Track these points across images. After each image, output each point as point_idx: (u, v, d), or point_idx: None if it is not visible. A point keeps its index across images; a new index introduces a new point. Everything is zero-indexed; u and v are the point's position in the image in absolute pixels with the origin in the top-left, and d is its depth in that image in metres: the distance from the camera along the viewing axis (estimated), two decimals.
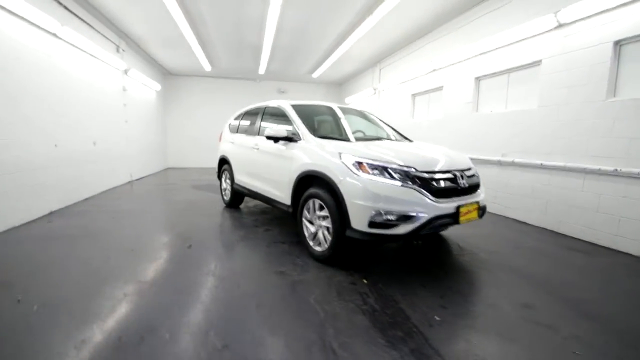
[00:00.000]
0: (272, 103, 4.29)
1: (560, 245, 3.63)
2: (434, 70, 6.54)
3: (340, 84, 12.66)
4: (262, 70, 10.04)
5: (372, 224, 2.50)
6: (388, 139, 3.81)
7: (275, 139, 3.55)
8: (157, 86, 9.83)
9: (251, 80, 11.93)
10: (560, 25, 3.96)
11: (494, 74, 5.14)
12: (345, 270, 2.82)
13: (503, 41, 4.80)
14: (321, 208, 2.92)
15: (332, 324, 2.00)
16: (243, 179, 4.54)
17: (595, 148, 3.63)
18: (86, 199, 5.63)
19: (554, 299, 2.41)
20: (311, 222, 3.09)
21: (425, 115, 7.17)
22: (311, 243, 3.09)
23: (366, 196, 2.50)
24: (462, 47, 5.67)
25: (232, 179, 4.93)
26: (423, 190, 2.54)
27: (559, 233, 4.06)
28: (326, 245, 2.87)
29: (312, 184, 3.09)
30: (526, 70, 4.57)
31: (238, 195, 5.06)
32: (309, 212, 3.09)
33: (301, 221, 3.19)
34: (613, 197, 3.47)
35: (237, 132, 5.02)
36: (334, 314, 2.11)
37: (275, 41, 7.19)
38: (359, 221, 2.54)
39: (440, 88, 6.48)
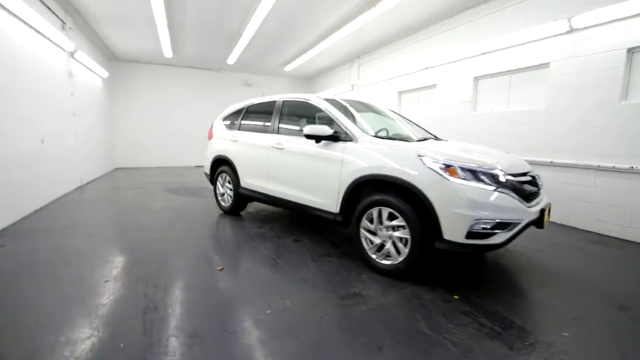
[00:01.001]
0: (293, 97, 3.80)
1: (586, 240, 3.84)
2: (427, 68, 6.57)
3: (310, 79, 12.26)
4: (232, 60, 9.16)
5: (470, 235, 2.26)
6: (424, 139, 3.61)
7: (317, 138, 3.11)
8: (104, 72, 8.33)
9: (214, 71, 10.87)
10: (571, 31, 4.17)
11: (495, 74, 5.29)
12: (424, 284, 2.54)
13: (507, 43, 4.94)
14: (391, 217, 2.60)
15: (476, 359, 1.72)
16: (256, 182, 3.95)
17: (607, 147, 3.91)
18: (37, 211, 4.46)
19: None
20: (373, 233, 2.75)
21: (414, 113, 7.21)
22: (374, 256, 2.74)
23: (464, 204, 2.25)
24: (460, 46, 5.75)
25: (236, 182, 4.30)
26: (514, 194, 2.38)
27: (569, 226, 4.34)
28: (400, 259, 2.56)
29: (375, 191, 2.74)
30: (532, 72, 4.77)
31: (242, 200, 4.44)
32: (371, 221, 2.74)
33: (358, 232, 2.83)
34: (627, 192, 3.76)
35: (239, 129, 4.38)
36: (465, 345, 1.82)
37: (261, 28, 6.53)
38: (454, 232, 2.28)
39: (433, 86, 6.54)
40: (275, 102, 3.98)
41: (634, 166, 3.65)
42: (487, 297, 2.37)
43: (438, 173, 2.35)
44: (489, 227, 2.27)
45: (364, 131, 2.96)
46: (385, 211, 2.62)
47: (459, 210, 2.25)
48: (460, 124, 5.89)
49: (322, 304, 2.22)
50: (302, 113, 3.77)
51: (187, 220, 4.23)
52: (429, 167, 2.39)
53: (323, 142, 3.10)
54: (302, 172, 3.32)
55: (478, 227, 2.25)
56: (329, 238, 3.64)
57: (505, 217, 2.29)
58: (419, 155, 2.48)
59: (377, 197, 2.66)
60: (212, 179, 4.88)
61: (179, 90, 10.62)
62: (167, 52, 8.41)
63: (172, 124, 10.67)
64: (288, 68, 10.08)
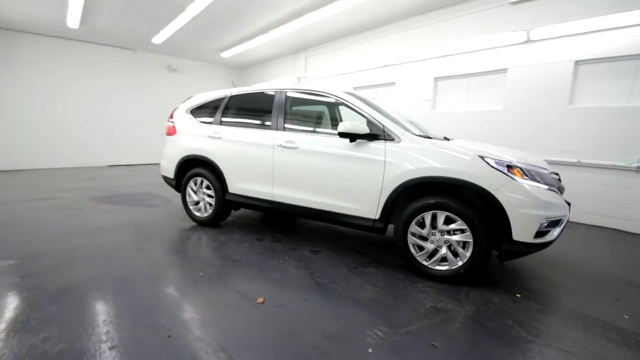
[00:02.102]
0: (301, 88, 3.33)
1: None
2: (386, 65, 6.70)
3: (243, 68, 11.30)
4: (159, 39, 7.70)
5: (537, 234, 2.30)
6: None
7: (352, 137, 2.76)
8: None
9: (129, 50, 9.00)
10: (528, 41, 4.75)
11: (456, 76, 5.70)
12: (482, 286, 2.51)
13: (468, 48, 5.37)
14: (448, 221, 2.48)
15: None
16: (253, 187, 3.34)
17: (559, 144, 4.61)
18: None
19: None
20: (423, 238, 2.59)
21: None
22: (426, 263, 2.59)
23: (536, 204, 2.26)
24: (421, 46, 6.01)
25: (219, 187, 3.57)
26: (558, 192, 2.53)
27: None
28: (459, 263, 2.47)
29: (422, 194, 2.57)
30: (491, 76, 5.28)
31: (227, 209, 3.74)
32: (422, 226, 2.57)
33: (406, 238, 2.62)
34: (575, 183, 4.49)
35: (221, 124, 3.64)
36: (597, 355, 1.83)
37: (212, 5, 5.59)
38: (524, 232, 2.28)
39: (392, 84, 6.71)
40: (274, 93, 3.41)
41: (581, 160, 4.40)
42: (550, 298, 2.47)
43: (506, 174, 2.31)
44: (547, 224, 2.36)
45: (406, 130, 2.75)
46: (442, 215, 2.48)
47: (531, 211, 2.26)
48: (420, 122, 6.18)
49: (413, 328, 1.95)
50: (314, 107, 3.33)
51: (156, 241, 3.32)
52: (495, 169, 2.34)
53: (357, 141, 2.78)
54: (329, 175, 2.92)
55: (543, 227, 2.32)
56: (346, 245, 3.33)
57: (559, 214, 2.41)
58: (481, 157, 2.41)
59: (432, 200, 2.50)
60: (179, 184, 3.97)
61: (81, 71, 8.47)
62: (73, 22, 6.53)
63: (78, 114, 8.47)
64: (226, 54, 9.05)
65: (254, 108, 3.61)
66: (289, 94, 3.33)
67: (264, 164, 3.26)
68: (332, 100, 3.12)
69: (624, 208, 4.12)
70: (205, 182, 3.69)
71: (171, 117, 4.13)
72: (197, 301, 2.18)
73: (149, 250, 3.02)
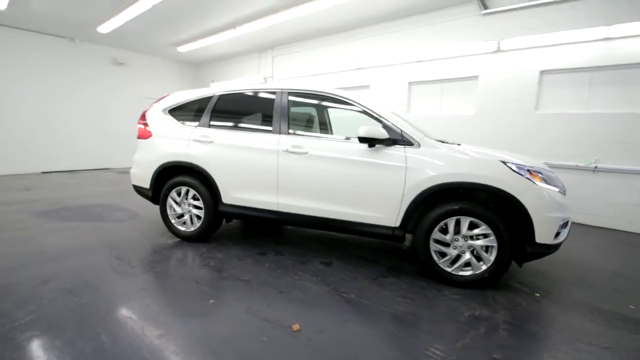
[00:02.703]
0: (304, 89, 3.09)
1: None
2: (359, 68, 6.70)
3: (200, 64, 10.52)
4: (106, 28, 6.75)
5: (555, 235, 2.40)
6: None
7: (371, 142, 2.63)
8: None
9: (67, 39, 7.77)
10: (498, 51, 5.08)
11: (429, 81, 5.91)
12: (504, 288, 2.56)
13: (441, 54, 5.59)
14: (472, 226, 2.48)
15: None
16: (254, 196, 3.02)
17: (527, 147, 5.00)
18: None
19: None
20: (445, 244, 2.56)
21: (343, 112, 7.25)
22: (449, 269, 2.56)
23: (556, 207, 2.36)
24: (395, 51, 6.12)
25: (210, 198, 3.18)
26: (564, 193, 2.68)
27: None
28: (483, 267, 2.48)
29: (441, 200, 2.55)
30: (463, 82, 5.56)
31: (219, 221, 3.35)
32: (445, 232, 2.54)
33: (428, 245, 2.57)
34: None
35: (209, 126, 3.25)
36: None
37: None
38: (546, 234, 2.35)
39: (366, 86, 6.73)
40: (274, 94, 3.13)
41: (547, 162, 4.82)
42: (555, 290, 2.61)
43: (528, 179, 2.38)
44: (562, 226, 2.48)
45: (424, 134, 2.70)
46: (466, 220, 2.48)
47: (552, 214, 2.35)
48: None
49: (466, 341, 1.88)
50: (320, 110, 3.13)
51: (151, 263, 2.83)
52: (518, 173, 2.39)
53: (376, 146, 2.65)
54: (344, 182, 2.74)
55: (560, 228, 2.43)
56: (354, 254, 3.19)
57: (569, 215, 2.55)
58: (503, 161, 2.44)
59: (456, 206, 2.48)
60: (156, 195, 3.46)
61: (7, 61, 7.08)
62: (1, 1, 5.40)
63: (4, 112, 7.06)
64: (183, 49, 8.30)
65: (249, 110, 3.30)
66: (292, 95, 3.09)
67: (266, 171, 2.97)
68: (342, 100, 2.96)
69: (584, 203, 4.61)
70: (192, 192, 3.26)
71: (143, 118, 3.59)
72: (223, 336, 1.86)
73: (137, 277, 2.54)
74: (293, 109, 3.08)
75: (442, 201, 2.55)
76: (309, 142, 2.88)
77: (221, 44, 7.95)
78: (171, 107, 3.48)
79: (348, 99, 2.92)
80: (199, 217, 3.30)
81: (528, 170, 2.42)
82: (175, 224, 3.41)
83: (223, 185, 3.13)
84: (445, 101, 5.84)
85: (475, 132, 5.37)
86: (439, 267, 2.58)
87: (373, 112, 2.79)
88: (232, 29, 6.70)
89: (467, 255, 2.52)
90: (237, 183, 3.09)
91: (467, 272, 2.54)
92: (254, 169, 3.02)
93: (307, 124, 3.32)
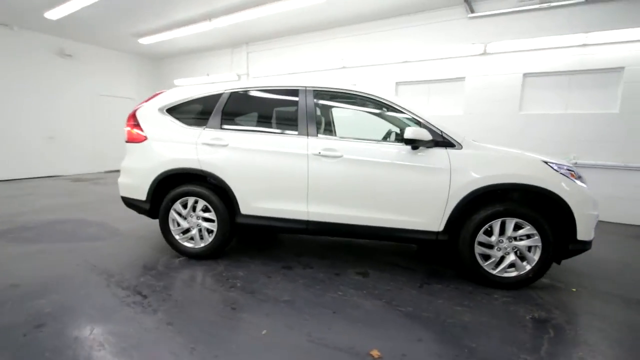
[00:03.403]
0: (332, 87, 2.89)
1: None
2: (345, 67, 6.58)
3: (163, 59, 9.61)
4: (55, 14, 5.80)
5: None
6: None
7: (415, 145, 2.49)
8: None
9: (3, 25, 6.53)
10: (484, 54, 5.28)
11: (416, 82, 5.98)
12: (540, 288, 2.59)
13: (428, 56, 5.69)
14: (517, 227, 2.46)
15: None
16: (281, 206, 2.71)
17: (512, 146, 5.26)
18: None
19: None
20: (488, 246, 2.52)
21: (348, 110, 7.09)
22: (494, 271, 2.52)
23: (593, 204, 2.42)
24: (382, 51, 6.10)
25: (225, 210, 2.80)
26: None
27: None
28: (528, 267, 2.47)
29: (483, 202, 2.51)
30: (450, 83, 5.71)
31: (233, 234, 2.97)
32: (490, 235, 2.49)
33: (473, 248, 2.51)
34: None
35: (221, 127, 2.86)
36: None
37: None
38: (586, 232, 2.40)
39: (352, 86, 6.61)
40: (296, 91, 2.85)
41: None
42: (585, 284, 2.70)
43: (570, 178, 2.42)
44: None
45: (464, 136, 2.63)
46: (511, 221, 2.45)
47: (591, 211, 2.41)
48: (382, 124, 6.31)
49: (547, 347, 1.83)
50: (347, 109, 2.92)
51: (167, 290, 2.39)
52: (561, 173, 2.42)
53: (420, 149, 2.52)
54: (385, 187, 2.57)
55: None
56: (384, 261, 3.04)
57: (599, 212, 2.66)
58: (545, 161, 2.46)
59: (502, 207, 2.45)
60: (155, 208, 2.98)
61: None
62: None
63: None
64: (145, 41, 7.47)
65: (268, 109, 2.98)
66: (319, 93, 2.85)
67: (294, 177, 2.68)
68: (373, 99, 2.79)
69: None
70: (202, 203, 2.85)
71: (132, 118, 3.07)
72: None
73: (157, 309, 2.12)
74: (325, 110, 2.85)
75: (483, 203, 2.51)
76: (343, 144, 2.65)
77: (190, 37, 7.31)
78: (170, 106, 3.02)
79: (381, 99, 2.76)
80: (210, 231, 2.91)
81: (568, 170, 2.48)
82: (180, 241, 2.96)
83: (242, 194, 2.78)
84: (432, 102, 5.95)
85: (464, 132, 5.53)
86: (484, 269, 2.53)
87: (410, 112, 2.67)
88: (207, 20, 6.17)
89: (511, 257, 2.50)
90: (259, 191, 2.76)
91: (512, 274, 2.52)
92: (279, 175, 2.72)
93: (337, 124, 3.11)
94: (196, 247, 2.94)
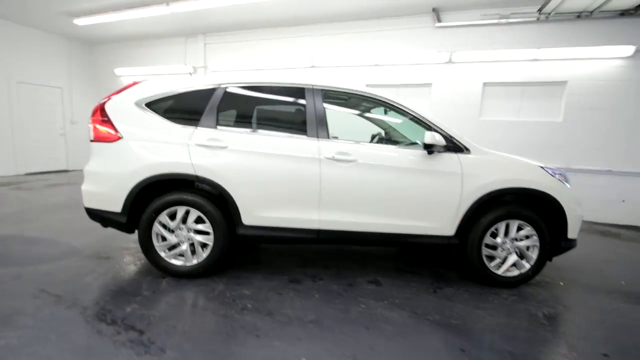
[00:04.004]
0: (340, 87, 2.75)
1: None
2: (314, 66, 6.43)
3: (97, 44, 8.33)
4: None
5: None
6: None
7: (430, 150, 2.48)
8: None
9: None
10: (450, 62, 5.60)
11: (386, 85, 6.09)
12: (533, 284, 2.79)
13: (398, 61, 5.86)
14: (519, 229, 2.61)
15: None
16: (286, 214, 2.48)
17: None
18: None
19: None
20: (493, 248, 2.63)
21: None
22: (498, 272, 2.64)
23: (578, 204, 2.66)
24: (353, 52, 6.10)
25: (230, 219, 2.48)
26: None
27: None
28: (528, 266, 2.63)
29: (496, 205, 2.60)
30: (418, 88, 5.94)
31: (232, 248, 2.63)
32: (495, 237, 2.60)
33: (480, 250, 2.59)
34: None
35: (216, 127, 2.51)
36: None
37: None
38: (575, 230, 2.64)
39: (362, 86, 6.49)
40: (302, 89, 2.63)
41: None
42: (568, 278, 2.99)
43: (561, 181, 2.64)
44: None
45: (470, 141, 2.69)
46: (514, 223, 2.59)
47: (579, 212, 2.65)
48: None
49: (581, 342, 1.95)
50: (354, 111, 2.79)
51: (174, 324, 1.98)
52: (555, 177, 2.62)
53: (435, 153, 2.51)
54: (399, 192, 2.51)
55: None
56: (388, 266, 3.00)
57: None
58: (541, 167, 2.65)
59: (506, 210, 2.57)
60: (133, 220, 2.50)
61: None
62: None
63: None
64: (81, 22, 6.37)
65: (272, 108, 2.70)
66: (325, 91, 2.67)
67: (305, 182, 2.48)
68: (383, 102, 2.72)
69: None
70: (195, 214, 2.48)
71: (100, 112, 2.54)
72: None
73: (167, 350, 1.74)
74: (336, 108, 2.68)
75: (489, 207, 2.61)
76: (357, 148, 2.53)
77: (138, 22, 6.46)
78: (150, 100, 2.56)
79: (393, 102, 2.70)
80: (204, 246, 2.54)
81: (559, 174, 2.70)
82: (166, 258, 2.53)
83: (244, 202, 2.47)
84: None
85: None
86: (489, 270, 2.64)
87: (421, 116, 2.65)
88: (165, 4, 5.50)
89: (513, 257, 2.64)
90: (265, 199, 2.49)
91: (514, 273, 2.66)
92: (288, 180, 2.48)
93: (348, 126, 2.94)
94: (187, 264, 2.54)
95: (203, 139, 2.47)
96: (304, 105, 2.61)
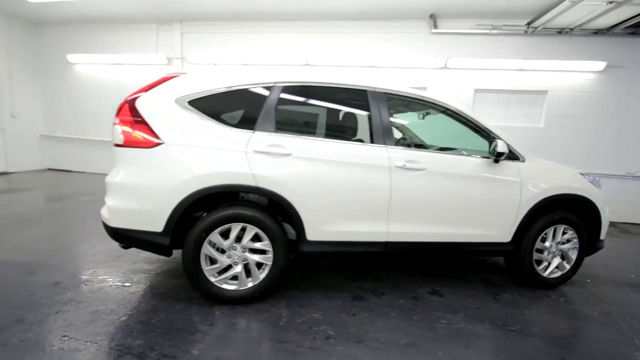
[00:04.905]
0: (404, 91, 2.69)
1: None
2: (308, 64, 6.18)
3: (46, 25, 7.06)
4: None
5: None
6: None
7: (497, 158, 2.48)
8: None
9: None
10: (445, 67, 5.78)
11: None
12: (568, 283, 2.96)
13: (395, 64, 5.90)
14: (563, 233, 2.74)
15: None
16: (355, 227, 2.29)
17: None
18: None
19: None
20: (541, 252, 2.73)
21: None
22: (544, 274, 2.74)
23: (607, 207, 2.87)
24: (350, 53, 5.99)
25: (284, 237, 2.20)
26: None
27: None
28: (567, 267, 2.77)
29: (546, 211, 2.69)
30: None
31: (290, 268, 2.35)
32: (545, 241, 2.70)
33: (532, 255, 2.66)
34: None
35: (275, 130, 2.22)
36: None
37: None
38: (605, 231, 2.87)
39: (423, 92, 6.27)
40: (364, 91, 2.45)
41: None
42: (590, 275, 3.22)
43: (595, 187, 2.82)
44: None
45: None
46: (560, 228, 2.71)
47: (608, 215, 2.87)
48: None
49: None
50: (407, 115, 2.66)
51: None
52: (591, 183, 2.79)
53: (500, 162, 2.52)
54: (465, 200, 2.47)
55: None
56: (439, 275, 2.94)
57: None
58: (581, 173, 2.80)
59: (557, 216, 2.68)
60: (176, 241, 2.10)
61: None
62: None
63: None
64: None
65: (333, 109, 2.47)
66: (389, 95, 2.53)
67: (376, 192, 2.31)
68: (443, 107, 2.67)
69: None
70: (253, 231, 2.15)
71: (130, 111, 2.08)
72: None
73: None
74: (398, 113, 2.54)
75: (541, 213, 2.69)
76: (425, 156, 2.43)
77: (101, 2, 5.60)
78: (194, 97, 2.16)
79: (456, 110, 2.68)
80: (261, 266, 2.23)
81: (594, 180, 2.89)
82: (216, 283, 2.17)
83: (310, 216, 2.22)
84: None
85: None
86: (538, 274, 2.73)
87: (482, 125, 2.65)
88: None
89: (557, 259, 2.77)
90: (333, 212, 2.26)
91: (557, 274, 2.79)
92: (358, 190, 2.29)
93: (410, 132, 2.81)
94: (241, 288, 2.21)
95: (263, 145, 2.16)
96: (368, 109, 2.44)
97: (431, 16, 5.58)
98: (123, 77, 6.91)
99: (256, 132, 2.19)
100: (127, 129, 2.07)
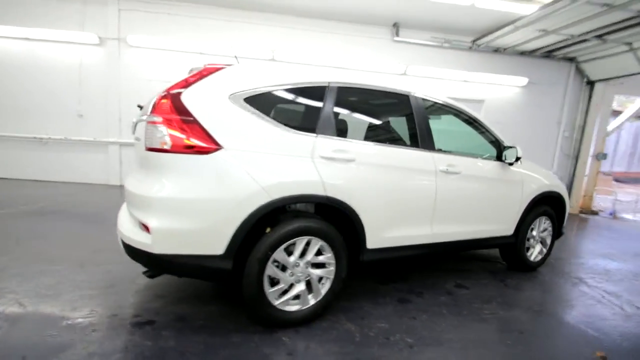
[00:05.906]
0: (437, 98, 2.74)
1: None
2: (274, 59, 5.87)
3: None
4: None
5: None
6: None
7: (514, 161, 2.80)
8: None
9: None
10: (405, 74, 6.19)
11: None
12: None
13: (359, 65, 6.07)
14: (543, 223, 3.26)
15: None
16: (407, 231, 2.31)
17: None
18: None
19: None
20: (529, 240, 3.20)
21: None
22: (532, 258, 3.22)
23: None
24: (318, 52, 5.93)
25: (343, 246, 2.08)
26: None
27: None
28: (544, 251, 3.32)
29: (537, 206, 3.13)
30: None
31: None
32: (533, 231, 3.17)
33: (524, 244, 3.11)
34: None
35: (336, 134, 2.08)
36: None
37: None
38: (566, 219, 3.52)
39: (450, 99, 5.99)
40: (407, 96, 2.47)
41: None
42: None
43: (562, 184, 3.43)
44: None
45: None
46: (542, 219, 3.23)
47: (568, 207, 3.53)
48: None
49: None
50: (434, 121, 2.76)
51: None
52: (559, 179, 3.40)
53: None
54: (487, 200, 2.74)
55: None
56: (447, 269, 3.17)
57: None
58: (554, 173, 3.37)
59: (542, 209, 3.17)
60: (238, 265, 1.78)
61: None
62: None
63: None
64: None
65: (381, 114, 2.41)
66: (426, 101, 2.60)
67: (425, 195, 2.37)
68: (464, 117, 2.87)
69: None
70: (319, 244, 1.97)
71: (175, 108, 1.68)
72: None
73: None
74: (432, 119, 2.61)
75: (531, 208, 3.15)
76: (460, 160, 2.59)
77: None
78: (249, 95, 1.86)
79: (474, 117, 2.93)
80: (321, 281, 2.06)
81: (559, 177, 3.51)
82: (279, 306, 1.92)
83: (372, 223, 2.15)
84: None
85: None
86: (528, 259, 3.21)
87: (496, 134, 2.94)
88: None
89: (539, 245, 3.30)
90: (390, 218, 2.24)
91: (539, 258, 3.32)
92: (412, 195, 2.33)
93: (446, 135, 2.87)
94: (303, 307, 2.01)
95: (328, 150, 2.00)
96: (411, 114, 2.47)
97: (394, 25, 5.92)
98: (36, 56, 5.46)
99: (319, 136, 2.01)
100: (175, 132, 1.66)
